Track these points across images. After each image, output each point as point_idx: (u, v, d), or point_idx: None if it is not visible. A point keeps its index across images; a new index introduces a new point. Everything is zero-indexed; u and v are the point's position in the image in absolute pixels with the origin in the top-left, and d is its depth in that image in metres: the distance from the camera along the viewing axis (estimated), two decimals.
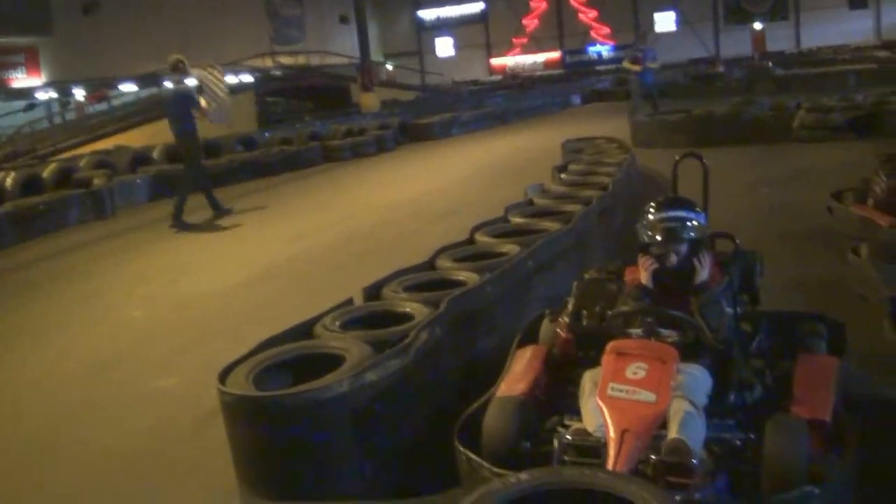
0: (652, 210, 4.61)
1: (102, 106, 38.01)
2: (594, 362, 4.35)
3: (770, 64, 35.20)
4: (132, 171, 17.24)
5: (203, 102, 12.96)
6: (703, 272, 4.56)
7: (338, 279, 8.15)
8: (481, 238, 7.45)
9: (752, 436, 4.01)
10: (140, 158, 17.83)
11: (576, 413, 4.20)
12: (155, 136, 22.04)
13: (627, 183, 10.83)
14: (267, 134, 22.05)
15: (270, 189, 14.12)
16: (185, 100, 12.78)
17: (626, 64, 21.68)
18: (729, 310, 4.49)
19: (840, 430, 4.09)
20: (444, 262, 6.65)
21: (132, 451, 5.46)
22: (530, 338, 5.21)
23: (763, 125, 17.16)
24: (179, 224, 12.78)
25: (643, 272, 4.60)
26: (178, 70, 12.79)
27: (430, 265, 6.69)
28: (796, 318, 5.23)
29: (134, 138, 23.84)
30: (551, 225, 7.68)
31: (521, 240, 7.13)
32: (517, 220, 8.19)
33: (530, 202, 9.09)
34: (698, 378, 4.09)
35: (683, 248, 4.48)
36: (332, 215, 12.94)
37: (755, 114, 17.73)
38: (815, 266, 7.77)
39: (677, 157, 5.39)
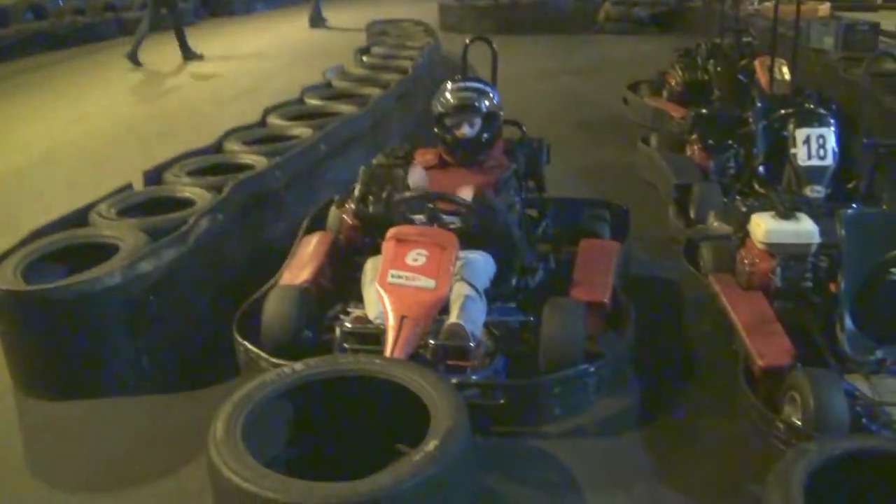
0: (448, 84, 4.56)
1: None
2: (379, 249, 4.27)
3: None
4: None
5: None
6: (495, 150, 4.56)
7: (123, 163, 7.64)
8: (273, 120, 7.18)
9: (531, 318, 4.09)
10: None
11: (360, 301, 4.14)
12: None
13: (430, 67, 10.71)
14: (61, 2, 20.18)
15: (60, 64, 13.16)
16: None
17: None
18: (516, 197, 4.50)
19: (618, 311, 4.23)
20: (232, 146, 6.36)
21: None
22: (319, 224, 5.09)
23: (569, 16, 17.32)
24: (134, 60, 13.52)
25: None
26: None
27: (217, 148, 6.38)
28: (582, 204, 5.33)
29: None
30: (348, 108, 7.49)
31: (315, 123, 6.93)
32: (313, 102, 7.96)
33: (328, 84, 8.84)
34: (480, 263, 4.09)
35: (478, 120, 4.46)
36: (122, 94, 12.20)
37: (561, 4, 17.81)
38: (610, 154, 7.94)
39: (467, 41, 5.30)
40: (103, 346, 4.17)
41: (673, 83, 8.86)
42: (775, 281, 4.28)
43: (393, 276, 3.76)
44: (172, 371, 4.33)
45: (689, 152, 6.84)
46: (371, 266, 4.11)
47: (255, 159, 5.92)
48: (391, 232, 3.96)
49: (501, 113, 4.58)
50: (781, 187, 5.89)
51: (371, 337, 3.80)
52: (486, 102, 4.47)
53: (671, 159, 6.70)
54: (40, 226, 4.72)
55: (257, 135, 6.71)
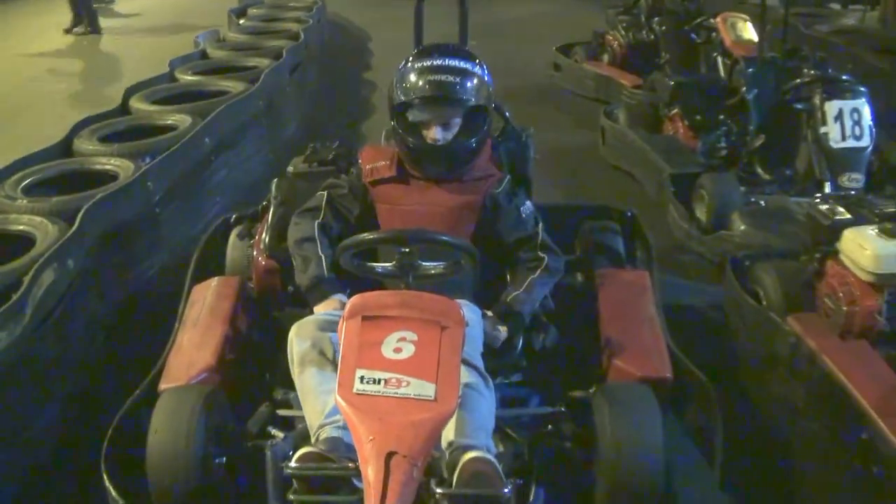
0: (413, 58, 2.98)
1: None
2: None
3: None
4: None
5: None
6: (481, 158, 3.07)
7: None
8: (138, 105, 5.61)
9: (561, 409, 2.78)
10: None
11: (290, 385, 2.75)
12: None
13: (320, 32, 9.21)
14: None
15: None
16: None
17: None
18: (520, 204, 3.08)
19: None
20: (85, 144, 4.80)
21: None
22: (212, 262, 3.68)
23: None
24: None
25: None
26: None
27: (65, 148, 4.80)
28: (577, 212, 3.94)
29: None
30: (233, 85, 6.01)
31: (193, 106, 5.47)
32: (187, 77, 6.45)
33: (203, 54, 7.35)
34: (473, 323, 2.65)
35: (457, 119, 2.91)
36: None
37: None
38: (556, 136, 6.50)
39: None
40: None
41: (616, 46, 7.63)
42: (880, 322, 3.08)
43: (364, 380, 2.27)
44: None
45: (670, 130, 5.62)
46: (302, 336, 2.66)
47: (118, 164, 4.37)
48: (353, 304, 2.44)
49: (493, 103, 3.07)
50: (793, 172, 4.82)
51: (333, 481, 2.33)
52: (473, 89, 2.91)
53: (655, 141, 5.44)
54: None
55: (118, 126, 5.15)
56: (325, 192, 3.07)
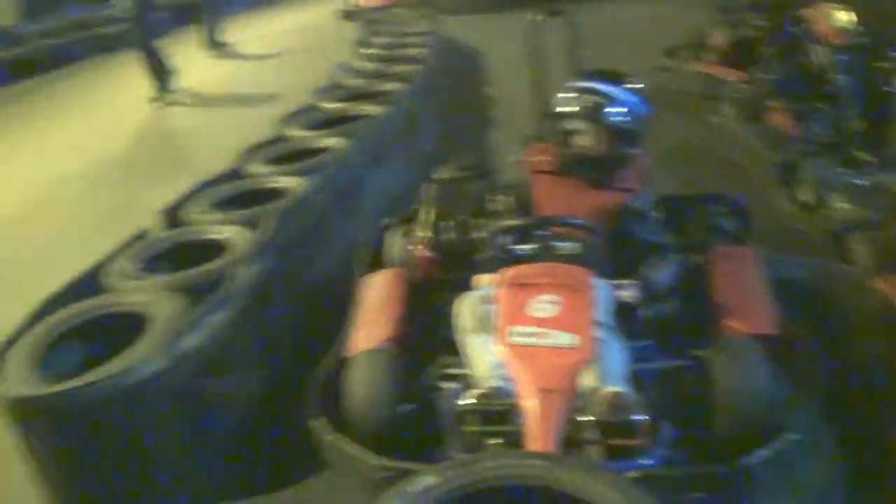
0: (572, 82, 3.61)
1: None
2: (463, 285, 3.48)
3: None
4: None
5: None
6: (631, 171, 3.63)
7: (125, 201, 6.74)
8: (293, 132, 6.27)
9: (688, 362, 3.25)
10: None
11: (453, 352, 3.33)
12: None
13: (438, 54, 9.79)
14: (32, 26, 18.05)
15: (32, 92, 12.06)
16: None
17: None
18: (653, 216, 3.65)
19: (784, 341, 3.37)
20: (254, 167, 5.48)
21: None
22: (376, 257, 4.28)
23: None
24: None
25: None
26: None
27: (237, 172, 5.49)
28: (693, 201, 4.46)
29: None
30: (373, 108, 6.61)
31: (341, 129, 6.06)
32: (330, 105, 7.04)
33: (340, 84, 7.91)
34: (603, 290, 3.22)
35: (596, 134, 3.50)
36: (106, 120, 10.92)
37: None
38: (670, 130, 6.96)
39: (530, 17, 4.35)
40: (148, 451, 3.29)
41: (719, 44, 7.94)
42: None
43: (517, 333, 2.88)
44: (237, 471, 3.50)
45: (773, 121, 6.02)
46: (468, 309, 3.25)
47: (287, 181, 5.04)
48: (508, 274, 3.06)
49: (642, 128, 3.62)
50: (893, 152, 5.17)
51: (498, 415, 2.93)
52: (618, 118, 3.49)
53: (759, 132, 5.87)
54: (49, 296, 3.82)
55: (279, 150, 5.80)
56: (513, 197, 3.69)
